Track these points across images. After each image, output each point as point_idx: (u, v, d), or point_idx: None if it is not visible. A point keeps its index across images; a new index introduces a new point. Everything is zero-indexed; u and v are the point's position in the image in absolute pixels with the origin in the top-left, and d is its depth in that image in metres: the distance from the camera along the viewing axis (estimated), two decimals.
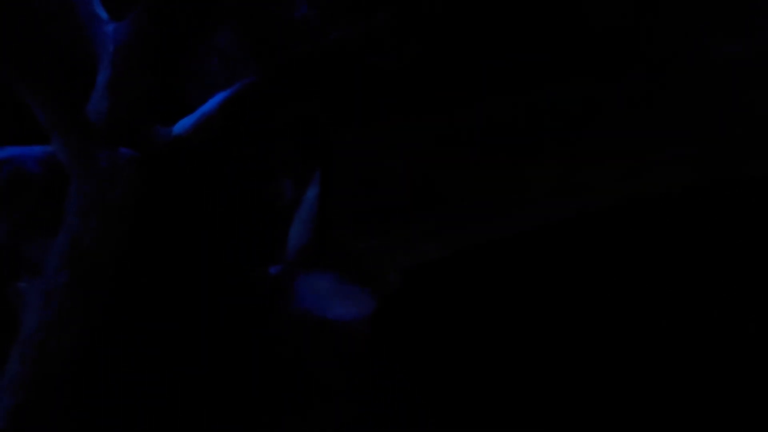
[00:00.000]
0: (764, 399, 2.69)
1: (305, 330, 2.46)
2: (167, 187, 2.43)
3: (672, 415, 2.68)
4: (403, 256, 2.58)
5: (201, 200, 2.47)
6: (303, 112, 2.50)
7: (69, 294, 2.41)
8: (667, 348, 2.66)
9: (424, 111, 2.65)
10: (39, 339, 2.44)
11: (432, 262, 2.57)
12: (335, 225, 2.59)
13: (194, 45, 2.41)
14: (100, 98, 2.33)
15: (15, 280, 2.43)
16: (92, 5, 2.40)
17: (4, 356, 2.45)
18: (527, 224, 2.60)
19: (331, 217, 2.58)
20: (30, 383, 2.42)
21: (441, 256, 2.59)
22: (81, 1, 2.42)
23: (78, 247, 2.37)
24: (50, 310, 2.42)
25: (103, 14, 2.37)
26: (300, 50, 2.42)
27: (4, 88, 2.32)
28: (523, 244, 2.59)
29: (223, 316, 2.47)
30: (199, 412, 2.42)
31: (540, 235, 2.61)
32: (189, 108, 2.41)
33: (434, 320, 2.57)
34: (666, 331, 2.67)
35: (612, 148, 2.70)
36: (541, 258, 2.63)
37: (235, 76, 2.42)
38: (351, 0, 2.49)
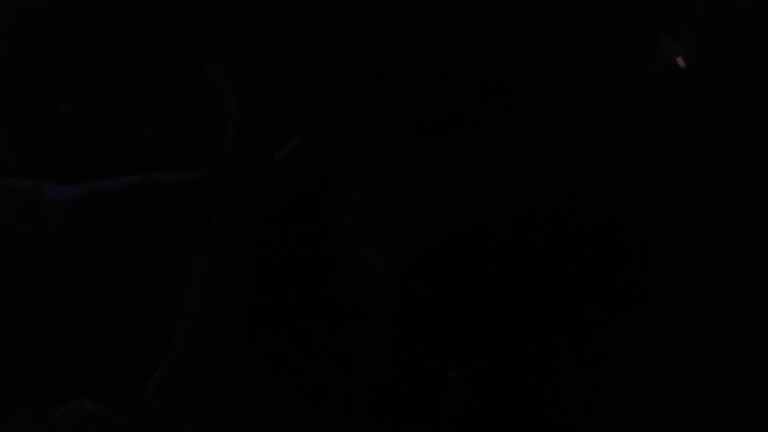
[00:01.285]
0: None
1: (360, 278, 3.37)
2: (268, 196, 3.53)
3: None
4: (421, 227, 3.35)
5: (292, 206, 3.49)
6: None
7: (221, 263, 3.48)
8: (677, 337, 2.99)
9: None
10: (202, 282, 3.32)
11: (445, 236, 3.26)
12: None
13: None
14: (228, 143, 3.39)
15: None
16: None
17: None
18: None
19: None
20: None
21: (452, 229, 3.28)
22: None
23: (221, 238, 3.47)
24: (208, 272, 3.47)
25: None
26: None
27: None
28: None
29: (307, 274, 3.39)
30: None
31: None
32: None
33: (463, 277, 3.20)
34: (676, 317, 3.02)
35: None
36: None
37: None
38: None
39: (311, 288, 3.31)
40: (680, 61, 2.74)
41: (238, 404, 3.15)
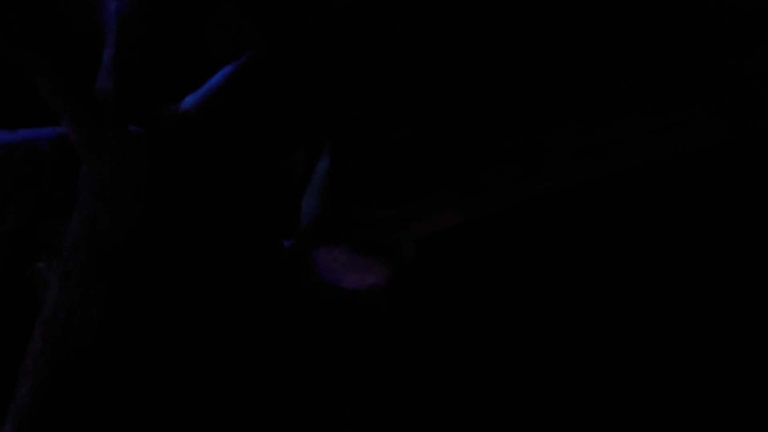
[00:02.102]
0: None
1: (322, 301, 2.46)
2: (179, 164, 2.47)
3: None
4: (418, 226, 2.57)
5: (213, 176, 2.50)
6: (312, 84, 2.53)
7: (87, 274, 2.44)
8: (698, 324, 2.58)
9: (435, 80, 2.66)
10: (60, 318, 2.47)
11: (448, 231, 2.56)
12: (348, 197, 2.59)
13: (199, 20, 2.45)
14: (106, 77, 2.38)
15: (33, 262, 2.49)
16: None
17: (26, 338, 2.51)
18: (544, 189, 2.57)
19: (344, 189, 2.59)
20: (54, 363, 2.46)
21: (456, 225, 2.57)
22: None
23: (93, 227, 2.40)
24: (69, 290, 2.46)
25: None
26: (307, 21, 2.45)
27: (14, 71, 2.39)
28: (542, 209, 2.56)
29: (240, 290, 2.49)
30: (217, 386, 2.43)
31: (559, 199, 2.58)
32: (198, 85, 2.46)
33: (451, 289, 2.54)
34: (700, 302, 2.59)
35: (628, 107, 2.67)
36: (560, 223, 2.58)
37: (243, 51, 2.47)
38: None
39: (244, 318, 2.41)
40: None
41: None
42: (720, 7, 2.54)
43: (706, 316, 2.60)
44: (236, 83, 2.45)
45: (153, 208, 2.43)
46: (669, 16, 2.58)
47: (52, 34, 2.38)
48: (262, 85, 2.47)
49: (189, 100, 2.44)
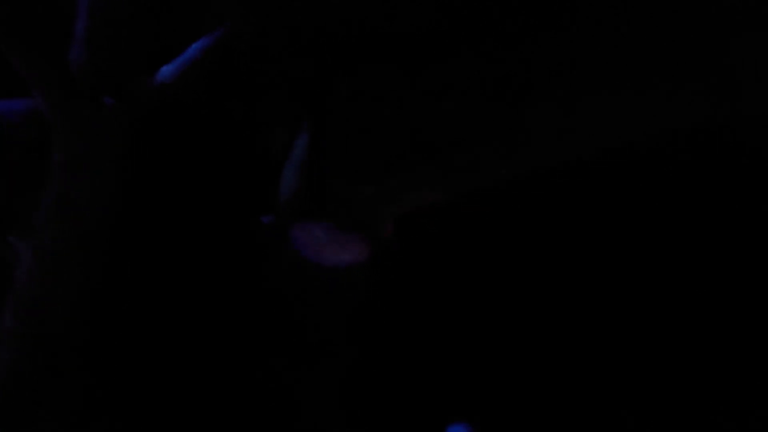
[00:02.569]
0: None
1: (301, 277, 2.43)
2: (156, 139, 2.43)
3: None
4: (398, 203, 2.54)
5: (190, 152, 2.46)
6: (293, 60, 2.50)
7: (61, 249, 2.40)
8: (669, 297, 2.57)
9: (418, 60, 2.64)
10: (31, 295, 2.43)
11: (428, 208, 2.53)
12: (328, 174, 2.56)
13: None
14: (80, 48, 2.33)
15: (6, 236, 2.44)
16: None
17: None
18: (525, 168, 2.55)
19: (324, 166, 2.55)
20: (25, 338, 2.41)
21: (437, 203, 2.55)
22: None
23: (66, 201, 2.36)
24: (43, 265, 2.42)
25: None
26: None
27: None
28: (523, 187, 2.54)
29: (219, 267, 2.45)
30: (198, 362, 2.39)
31: (543, 178, 2.55)
32: (175, 58, 2.42)
33: (432, 266, 2.52)
34: (672, 280, 2.58)
35: (610, 87, 2.65)
36: (543, 201, 2.56)
37: (222, 24, 2.43)
38: None
39: (221, 299, 2.37)
40: None
41: None
42: None
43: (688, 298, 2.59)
44: (214, 56, 2.42)
45: (130, 184, 2.39)
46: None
47: (23, 3, 2.34)
48: (241, 59, 2.44)
49: (165, 72, 2.39)
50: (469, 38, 2.61)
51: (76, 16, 2.34)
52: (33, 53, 2.28)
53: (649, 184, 2.60)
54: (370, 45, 2.56)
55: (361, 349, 2.33)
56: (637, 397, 2.58)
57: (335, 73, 2.54)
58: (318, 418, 2.26)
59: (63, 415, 2.31)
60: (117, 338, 2.39)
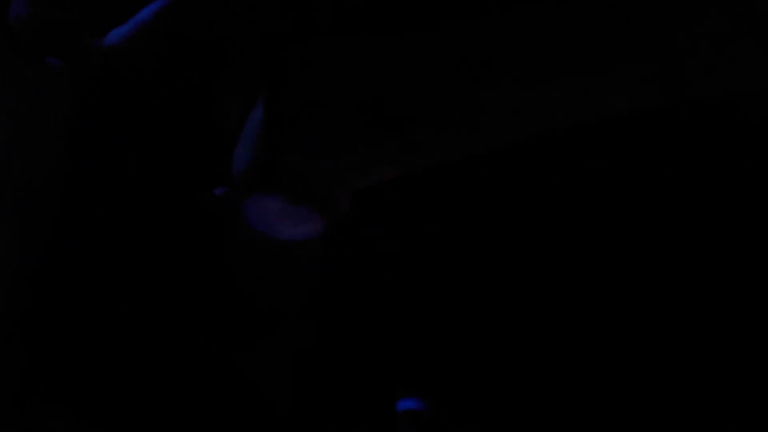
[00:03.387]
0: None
1: (254, 251, 2.37)
2: (105, 104, 2.36)
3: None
4: (353, 178, 2.49)
5: (140, 121, 2.39)
6: (249, 27, 2.44)
7: (3, 215, 2.32)
8: (634, 281, 2.54)
9: (375, 34, 2.60)
10: None
11: (384, 184, 2.48)
12: (283, 147, 2.51)
13: None
14: (22, 3, 2.25)
15: None
16: None
17: None
18: (484, 145, 2.51)
19: (279, 139, 2.50)
20: None
21: (394, 178, 2.50)
22: None
23: (9, 166, 2.29)
24: None
25: None
26: None
27: None
28: (482, 164, 2.50)
29: (170, 239, 2.38)
30: (149, 338, 2.31)
31: (500, 155, 2.52)
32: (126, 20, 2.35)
33: (388, 242, 2.46)
34: (629, 262, 2.55)
35: (567, 68, 2.63)
36: (501, 178, 2.53)
37: None
38: None
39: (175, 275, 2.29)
40: None
41: None
42: None
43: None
44: (165, 21, 2.35)
45: (77, 149, 2.32)
46: None
47: None
48: (194, 25, 2.37)
49: (114, 35, 2.32)
50: (430, 13, 2.57)
51: None
52: None
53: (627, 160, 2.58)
54: (328, 15, 2.51)
55: (315, 324, 2.28)
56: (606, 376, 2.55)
57: (293, 45, 2.49)
58: (272, 392, 2.20)
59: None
60: (65, 301, 2.32)
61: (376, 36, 2.57)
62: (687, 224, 2.64)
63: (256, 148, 2.44)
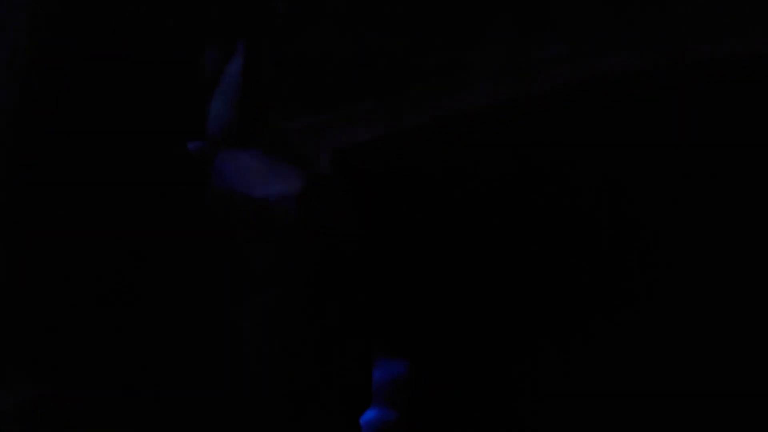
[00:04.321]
0: None
1: (228, 208, 2.28)
2: (71, 47, 2.26)
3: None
4: (334, 136, 2.41)
5: (110, 70, 2.30)
6: None
7: None
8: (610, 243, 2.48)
9: None
10: None
11: (367, 143, 2.40)
12: (261, 102, 2.42)
13: None
14: None
15: None
16: None
17: None
18: (469, 105, 2.43)
19: (259, 93, 2.42)
20: None
21: (375, 137, 2.42)
22: None
23: None
24: None
25: None
26: None
27: None
28: (466, 125, 2.42)
29: (141, 192, 2.29)
30: (118, 297, 2.23)
31: (485, 115, 2.44)
32: None
33: (369, 202, 2.39)
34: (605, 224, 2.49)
35: (556, 27, 2.56)
36: (485, 139, 2.45)
37: None
38: None
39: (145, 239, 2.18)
40: None
41: None
42: None
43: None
44: None
45: (37, 90, 2.23)
46: None
47: None
48: None
49: None
50: None
51: None
52: None
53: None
54: None
55: (291, 283, 2.20)
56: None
57: None
58: (245, 356, 2.12)
59: None
60: (27, 252, 2.23)
61: None
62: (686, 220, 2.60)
63: (234, 101, 2.35)
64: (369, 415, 2.45)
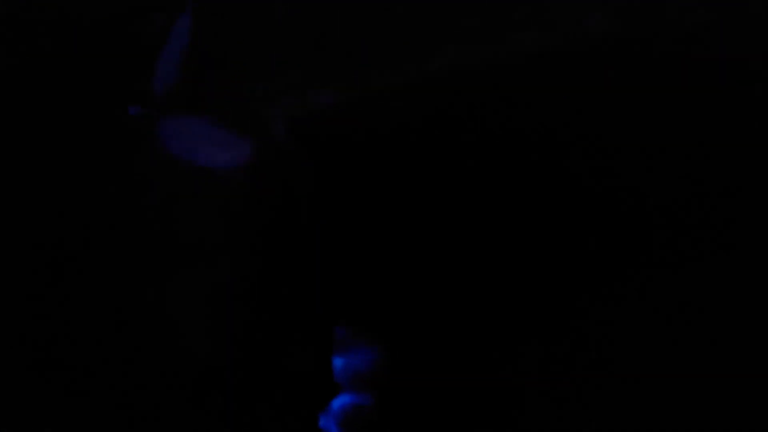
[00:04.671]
0: None
1: (171, 176, 2.11)
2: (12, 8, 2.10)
3: None
4: (290, 102, 2.23)
5: (50, 30, 2.13)
6: None
7: None
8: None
9: None
10: None
11: (326, 109, 2.23)
12: (210, 65, 2.25)
13: None
14: None
15: None
16: None
17: None
18: (432, 71, 2.26)
19: (206, 56, 2.24)
20: None
21: (333, 104, 2.25)
22: None
23: None
24: None
25: None
26: None
27: None
28: (434, 89, 2.25)
29: (76, 160, 2.12)
30: (47, 270, 2.06)
31: (450, 82, 2.27)
32: None
33: (327, 173, 2.22)
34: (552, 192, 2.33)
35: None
36: (453, 104, 2.28)
37: None
38: None
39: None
40: None
41: None
42: None
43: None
44: None
45: None
46: None
47: None
48: None
49: None
50: None
51: None
52: None
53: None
54: None
55: (237, 259, 2.02)
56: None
57: None
58: (185, 333, 1.95)
59: None
60: None
61: None
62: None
63: (181, 63, 2.18)
64: (342, 401, 2.30)
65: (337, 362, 2.30)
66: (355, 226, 2.19)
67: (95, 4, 2.15)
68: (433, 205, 2.16)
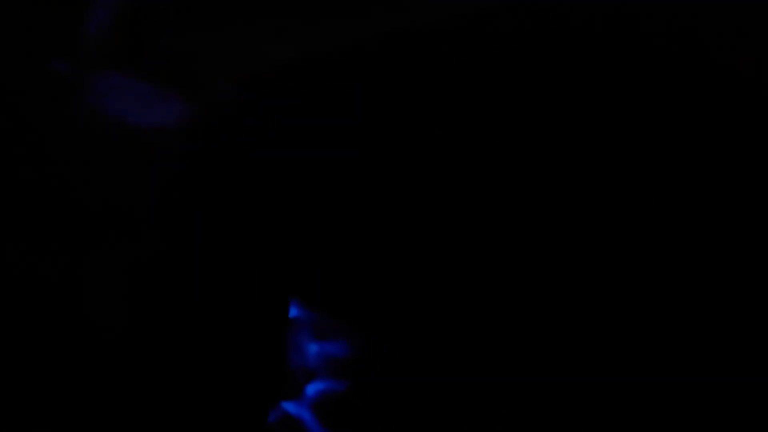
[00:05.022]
0: None
1: (95, 137, 1.90)
2: None
3: None
4: (238, 58, 2.02)
5: None
6: None
7: None
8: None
9: None
10: None
11: (278, 67, 2.02)
12: (145, 16, 2.05)
13: None
14: None
15: None
16: None
17: None
18: (390, 26, 2.05)
19: (140, 6, 2.04)
20: None
21: (285, 61, 2.04)
22: None
23: None
24: None
25: None
26: None
27: None
28: (386, 47, 2.04)
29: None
30: None
31: (419, 36, 2.06)
32: None
33: (278, 138, 2.01)
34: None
35: None
36: (422, 64, 2.07)
37: None
38: None
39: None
40: None
41: None
42: None
43: None
44: None
45: None
46: None
47: None
48: None
49: None
50: None
51: None
52: None
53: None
54: None
55: (165, 233, 1.82)
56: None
57: None
58: (101, 311, 1.75)
59: None
60: None
61: None
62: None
63: (112, 13, 1.97)
64: (317, 387, 2.16)
65: (312, 348, 2.13)
66: (318, 206, 1.98)
67: None
68: (404, 180, 1.95)
